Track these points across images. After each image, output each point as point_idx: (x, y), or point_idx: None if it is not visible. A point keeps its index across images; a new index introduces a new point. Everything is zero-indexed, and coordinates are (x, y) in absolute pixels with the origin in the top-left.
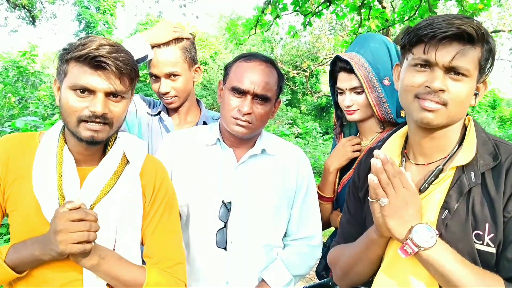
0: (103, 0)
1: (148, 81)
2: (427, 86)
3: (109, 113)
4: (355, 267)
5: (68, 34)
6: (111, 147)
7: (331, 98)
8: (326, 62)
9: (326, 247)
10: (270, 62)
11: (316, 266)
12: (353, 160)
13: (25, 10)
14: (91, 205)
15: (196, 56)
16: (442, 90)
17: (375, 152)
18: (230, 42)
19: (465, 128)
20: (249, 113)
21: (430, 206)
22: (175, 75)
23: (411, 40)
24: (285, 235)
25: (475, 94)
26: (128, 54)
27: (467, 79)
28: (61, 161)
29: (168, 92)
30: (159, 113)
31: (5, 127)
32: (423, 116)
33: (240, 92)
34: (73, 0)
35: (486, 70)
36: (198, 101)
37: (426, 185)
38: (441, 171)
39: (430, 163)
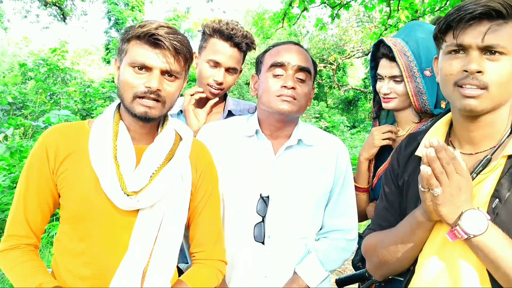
0: None
1: None
2: (465, 71)
3: (162, 90)
4: (397, 253)
5: (98, 32)
6: (164, 127)
7: (358, 91)
8: (354, 55)
9: (362, 238)
10: (302, 47)
11: (352, 257)
12: (388, 151)
13: (56, 7)
14: (149, 178)
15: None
16: (480, 72)
17: (429, 140)
18: (258, 36)
19: None
20: (293, 88)
21: (480, 195)
22: (234, 71)
23: (441, 28)
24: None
25: None
26: (184, 37)
27: (506, 57)
28: (117, 134)
29: (222, 83)
30: (180, 112)
31: (39, 122)
32: (466, 103)
33: (280, 66)
34: None
35: None
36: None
37: (474, 175)
38: (489, 160)
39: (478, 153)
